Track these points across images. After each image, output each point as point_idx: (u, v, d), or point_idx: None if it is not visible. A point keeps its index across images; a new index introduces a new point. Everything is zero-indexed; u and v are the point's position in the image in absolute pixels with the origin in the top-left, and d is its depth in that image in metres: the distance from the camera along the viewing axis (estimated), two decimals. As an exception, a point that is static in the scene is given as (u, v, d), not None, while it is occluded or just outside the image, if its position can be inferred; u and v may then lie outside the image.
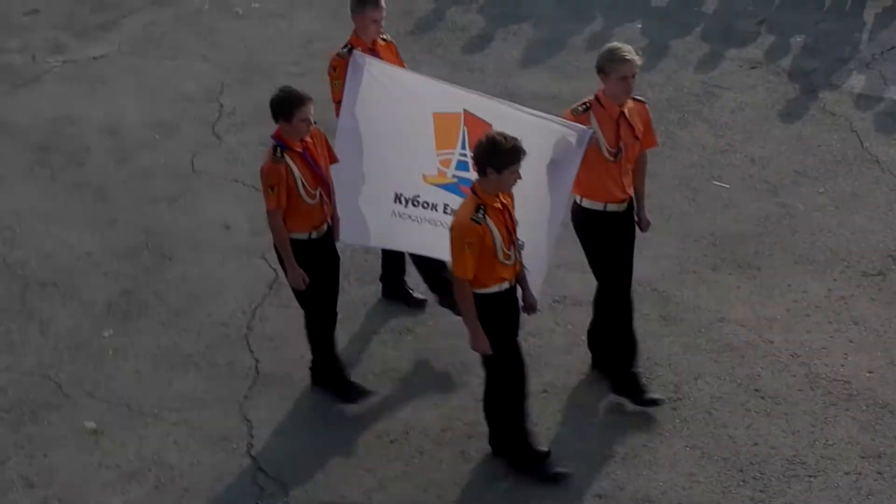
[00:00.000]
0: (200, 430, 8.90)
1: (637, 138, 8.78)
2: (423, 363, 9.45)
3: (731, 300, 9.93)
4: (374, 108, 9.10)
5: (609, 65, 8.59)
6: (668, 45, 13.16)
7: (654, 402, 8.96)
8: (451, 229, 8.05)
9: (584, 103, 8.70)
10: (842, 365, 9.35)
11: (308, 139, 8.61)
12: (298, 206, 8.58)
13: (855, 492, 8.39)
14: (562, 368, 9.36)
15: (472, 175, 8.38)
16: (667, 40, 13.22)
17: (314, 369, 9.16)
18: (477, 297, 8.11)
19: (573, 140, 8.47)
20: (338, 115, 9.31)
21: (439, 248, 8.75)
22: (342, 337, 9.34)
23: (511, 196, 8.20)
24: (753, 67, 12.82)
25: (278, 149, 8.53)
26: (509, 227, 8.13)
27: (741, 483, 8.47)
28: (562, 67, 12.87)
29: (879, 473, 8.52)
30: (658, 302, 9.95)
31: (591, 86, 12.30)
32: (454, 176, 8.97)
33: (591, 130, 8.50)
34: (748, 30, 13.44)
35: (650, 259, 10.29)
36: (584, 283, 9.96)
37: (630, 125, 8.73)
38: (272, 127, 8.61)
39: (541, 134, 8.52)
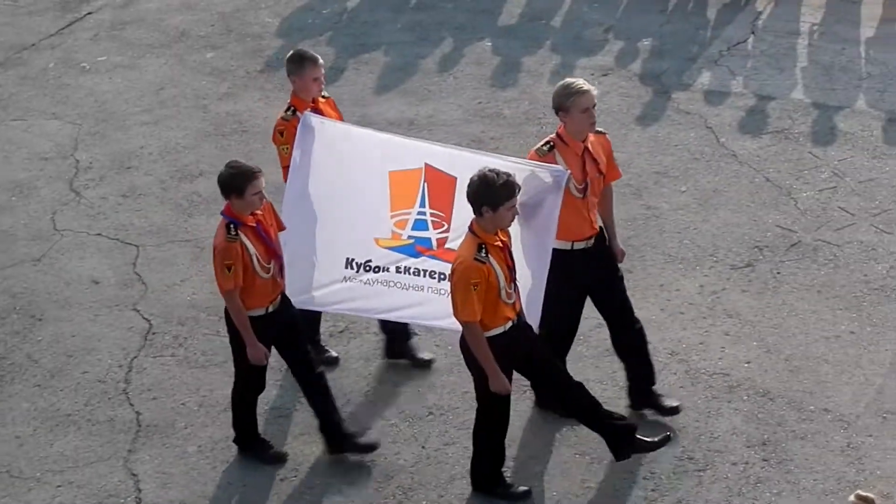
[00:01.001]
0: (86, 489, 8.74)
1: (601, 172, 8.61)
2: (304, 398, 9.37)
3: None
4: (325, 170, 8.84)
5: (568, 100, 8.39)
6: (520, 60, 13.26)
7: (675, 410, 8.94)
8: (453, 273, 7.89)
9: (547, 142, 8.50)
10: (720, 358, 9.46)
11: (258, 211, 8.38)
12: (254, 282, 8.35)
13: (744, 481, 8.47)
14: (446, 389, 9.36)
15: (431, 234, 8.43)
16: (518, 56, 13.32)
17: (238, 435, 8.94)
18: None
19: (549, 181, 8.23)
20: (285, 178, 9.01)
21: (389, 310, 8.80)
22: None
23: (508, 234, 8.04)
24: (605, 74, 12.97)
25: (231, 226, 8.26)
26: (510, 265, 8.00)
27: (632, 484, 8.52)
28: (416, 91, 12.90)
29: (765, 461, 8.62)
30: (534, 314, 9.98)
31: (445, 108, 12.44)
32: (409, 237, 8.72)
33: (567, 171, 8.28)
34: (596, 38, 13.60)
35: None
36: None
37: (594, 159, 8.56)
38: (131, 177, 8.53)
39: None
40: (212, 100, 12.98)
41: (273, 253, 8.43)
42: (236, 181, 8.25)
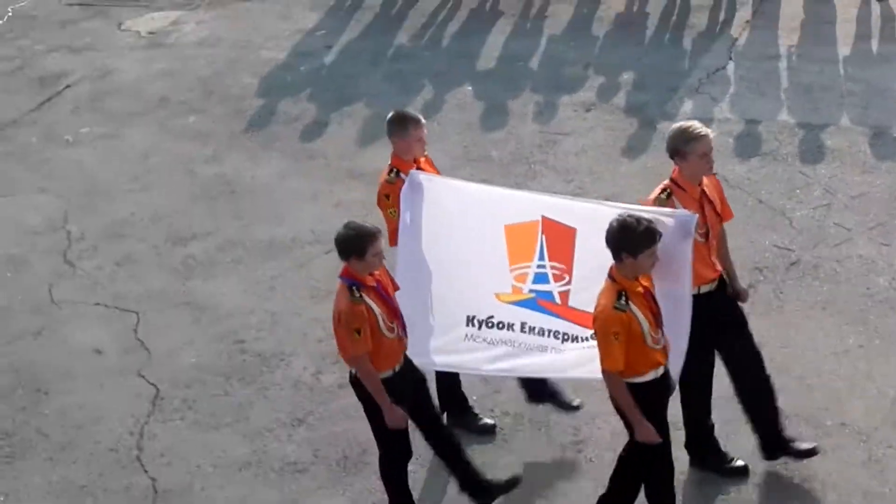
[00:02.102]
0: (108, 558, 8.67)
1: (718, 214, 8.41)
2: (320, 452, 9.33)
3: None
4: (438, 228, 8.58)
5: (686, 145, 8.14)
6: (503, 103, 13.30)
7: (811, 452, 8.66)
8: (595, 321, 7.68)
9: (665, 189, 8.22)
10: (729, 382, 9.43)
11: (376, 272, 8.20)
12: (381, 344, 8.09)
13: (770, 500, 8.44)
14: (460, 432, 9.30)
15: (552, 287, 8.26)
16: (501, 99, 13.37)
17: None
18: (633, 386, 7.74)
19: (675, 226, 7.89)
20: (392, 242, 8.83)
21: (514, 368, 8.59)
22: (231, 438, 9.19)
23: (650, 278, 7.81)
24: (588, 110, 13.01)
25: (354, 288, 8.06)
26: (654, 311, 7.73)
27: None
28: (402, 140, 12.89)
29: (789, 478, 8.59)
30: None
31: (433, 154, 12.35)
32: (531, 291, 8.44)
33: (695, 215, 7.98)
34: (576, 75, 13.65)
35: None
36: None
37: (711, 202, 8.33)
38: (124, 245, 8.43)
39: None
40: (198, 163, 12.97)
41: (395, 312, 8.19)
42: (357, 242, 8.03)
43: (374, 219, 11.63)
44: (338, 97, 13.81)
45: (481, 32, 14.86)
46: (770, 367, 9.42)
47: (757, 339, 9.66)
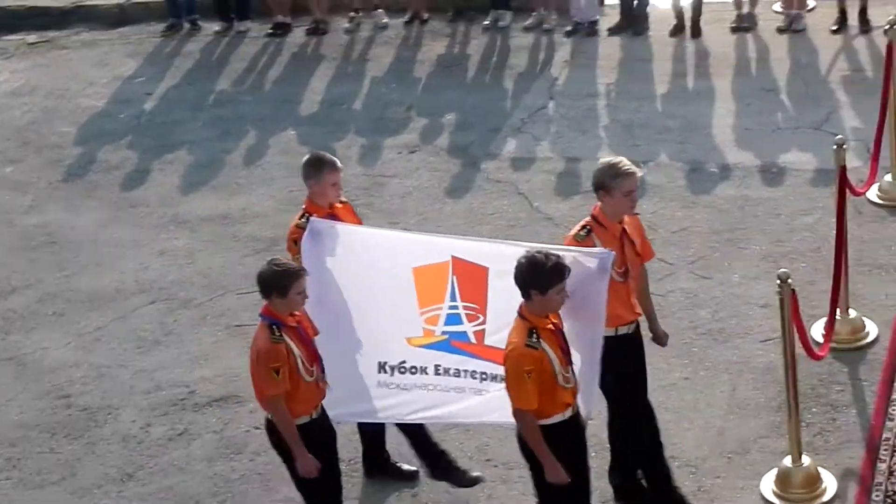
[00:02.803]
0: None
1: (638, 254, 8.31)
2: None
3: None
4: (342, 275, 8.37)
5: (612, 181, 8.05)
6: (328, 146, 13.25)
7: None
8: (506, 360, 7.54)
9: (584, 227, 8.15)
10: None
11: (297, 312, 7.96)
12: (298, 388, 7.85)
13: None
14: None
15: (466, 327, 8.09)
16: (324, 142, 13.34)
17: None
18: (543, 428, 7.59)
19: (592, 265, 7.77)
20: None
21: (432, 416, 8.41)
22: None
23: (559, 315, 7.68)
24: (412, 152, 13.07)
25: (274, 327, 7.82)
26: (563, 349, 7.63)
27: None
28: (225, 186, 12.83)
29: None
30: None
31: (258, 199, 12.36)
32: (444, 332, 8.25)
33: (612, 253, 7.85)
34: (399, 117, 13.71)
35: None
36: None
37: (631, 241, 8.24)
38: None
39: None
40: (16, 214, 12.72)
41: (315, 355, 7.98)
42: (281, 280, 7.80)
43: (197, 266, 11.61)
44: (159, 144, 13.67)
45: (303, 77, 14.85)
46: (600, 402, 9.55)
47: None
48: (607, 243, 8.06)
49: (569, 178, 12.36)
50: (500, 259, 7.90)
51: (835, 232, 9.77)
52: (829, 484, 8.64)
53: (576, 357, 7.78)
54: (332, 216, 8.69)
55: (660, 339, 8.73)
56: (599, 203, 8.20)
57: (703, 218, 11.60)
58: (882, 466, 8.75)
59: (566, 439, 7.71)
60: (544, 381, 7.53)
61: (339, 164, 8.85)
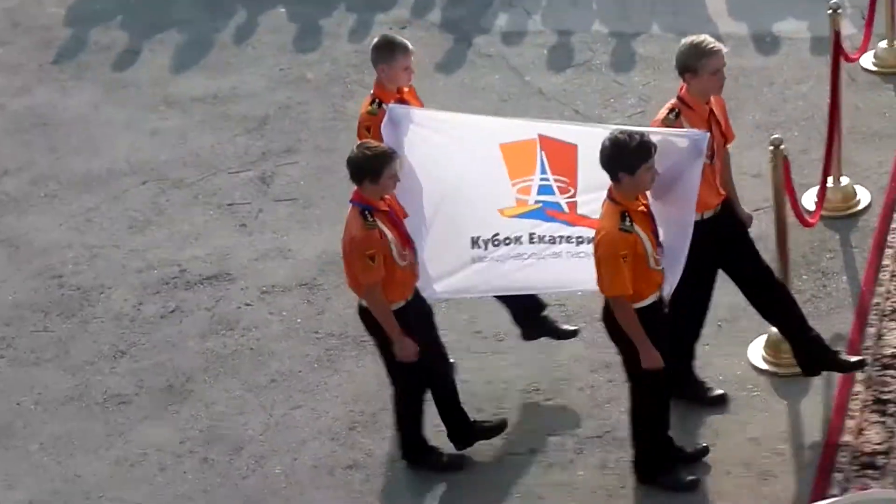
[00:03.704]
0: (-71, 502, 8.49)
1: (723, 135, 8.13)
2: (144, 382, 9.22)
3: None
4: (425, 157, 8.14)
5: (698, 61, 7.82)
6: (317, 23, 13.14)
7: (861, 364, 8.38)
8: (598, 246, 7.40)
9: (672, 109, 7.91)
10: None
11: (387, 196, 7.82)
12: (393, 273, 7.73)
13: (592, 403, 8.58)
14: (286, 354, 9.28)
15: (558, 198, 7.93)
16: (315, 19, 13.19)
17: (408, 449, 8.32)
18: (636, 311, 7.50)
19: (686, 146, 7.59)
20: None
21: (528, 283, 8.23)
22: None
23: (646, 197, 7.54)
24: (403, 27, 12.92)
25: (367, 213, 7.69)
26: (654, 230, 7.49)
27: (490, 418, 8.52)
28: (216, 66, 12.71)
29: (610, 381, 8.71)
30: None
31: (248, 78, 12.27)
32: (537, 201, 8.04)
33: (706, 134, 7.66)
34: (389, -7, 13.58)
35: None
36: (287, 270, 9.98)
37: (718, 122, 8.06)
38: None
39: None
40: (7, 97, 12.62)
41: (408, 239, 7.84)
42: (373, 163, 7.62)
43: (189, 146, 11.58)
44: (149, 24, 13.50)
45: (293, -46, 14.69)
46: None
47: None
48: (696, 125, 7.85)
49: (561, 52, 12.26)
50: (588, 138, 7.71)
51: (829, 100, 9.71)
52: (819, 349, 8.67)
53: (665, 245, 7.63)
54: (402, 101, 8.44)
55: (743, 223, 8.41)
56: (685, 84, 7.96)
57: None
58: (871, 331, 8.79)
59: (657, 321, 7.62)
60: (637, 265, 7.40)
61: (410, 46, 8.54)
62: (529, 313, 8.86)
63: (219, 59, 12.83)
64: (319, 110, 11.84)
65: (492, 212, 8.15)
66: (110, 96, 12.46)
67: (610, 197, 7.45)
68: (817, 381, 8.49)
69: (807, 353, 8.29)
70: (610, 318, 7.66)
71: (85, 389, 9.16)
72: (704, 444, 8.11)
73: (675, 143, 7.61)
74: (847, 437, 8.08)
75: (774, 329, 8.61)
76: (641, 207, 7.47)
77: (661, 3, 12.79)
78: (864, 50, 10.87)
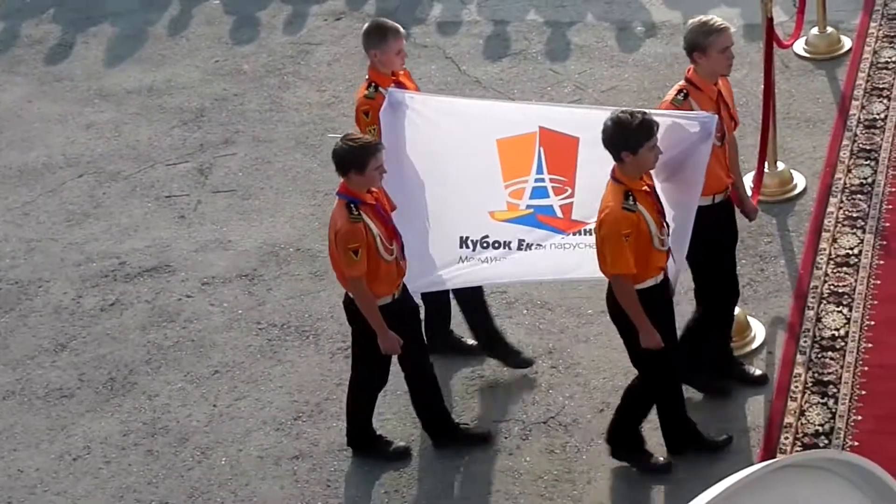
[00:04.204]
0: None
1: (732, 117, 8.08)
2: (86, 376, 9.16)
3: (374, 241, 10.00)
4: (422, 147, 8.05)
5: (706, 39, 7.77)
6: (253, 15, 13.12)
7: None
8: (601, 224, 7.32)
9: (680, 90, 7.85)
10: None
11: (374, 189, 7.73)
12: (378, 267, 7.66)
13: (536, 389, 8.62)
14: (228, 345, 9.26)
15: (552, 201, 7.85)
16: (249, 11, 13.17)
17: (354, 438, 8.31)
18: (637, 293, 7.43)
19: (696, 129, 7.54)
20: None
21: (512, 275, 8.15)
22: None
23: (652, 178, 7.52)
24: (338, 18, 12.94)
25: (352, 206, 7.59)
26: (659, 211, 7.43)
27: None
28: (150, 58, 12.66)
29: (554, 367, 8.77)
30: (305, 261, 9.95)
31: (183, 70, 12.21)
32: (528, 206, 7.96)
33: (714, 116, 7.60)
34: (324, -16, 13.56)
35: (286, 221, 10.32)
36: (227, 261, 9.95)
37: (726, 104, 8.01)
38: None
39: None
40: (-61, 91, 12.52)
41: (394, 233, 7.75)
42: (358, 155, 7.51)
43: (125, 139, 11.51)
44: (82, 17, 13.43)
45: (226, -54, 14.64)
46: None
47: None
48: (704, 106, 7.84)
49: (497, 41, 12.30)
50: (590, 126, 7.55)
51: (762, 86, 9.80)
52: (758, 332, 8.76)
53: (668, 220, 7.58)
54: (398, 84, 8.34)
55: (749, 213, 8.44)
56: (692, 65, 7.94)
57: (631, 76, 11.60)
58: (810, 314, 8.88)
59: (659, 303, 7.57)
60: (640, 245, 7.36)
61: (402, 29, 8.47)
62: (440, 327, 8.84)
63: (153, 51, 12.77)
64: (256, 102, 11.82)
65: (482, 213, 8.07)
66: (44, 90, 12.38)
67: (613, 177, 7.40)
68: (760, 365, 8.57)
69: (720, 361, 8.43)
70: (612, 301, 7.61)
71: (26, 384, 9.10)
72: (729, 436, 8.08)
73: (684, 125, 7.58)
74: (789, 419, 8.17)
75: (716, 313, 8.70)
76: (645, 187, 7.42)
77: (596, -8, 12.88)
78: (796, 37, 10.97)
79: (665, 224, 7.48)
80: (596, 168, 7.56)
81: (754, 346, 8.68)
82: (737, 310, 8.66)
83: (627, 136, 7.27)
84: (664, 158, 7.46)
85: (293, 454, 8.40)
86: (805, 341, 8.67)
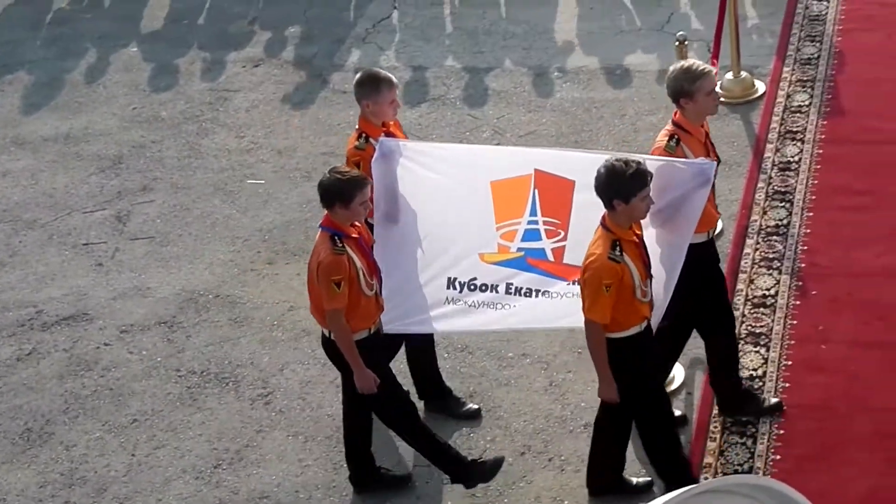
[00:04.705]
0: None
1: (717, 156, 8.13)
2: (1, 426, 9.05)
3: (295, 288, 9.96)
4: (415, 192, 8.00)
5: (692, 85, 7.84)
6: (172, 63, 13.09)
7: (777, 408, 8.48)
8: (585, 270, 7.30)
9: (672, 136, 7.89)
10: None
11: (358, 223, 7.67)
12: (359, 301, 7.60)
13: (457, 433, 8.57)
14: (145, 394, 9.18)
15: (544, 244, 7.80)
16: (169, 59, 13.15)
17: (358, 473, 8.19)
18: (616, 341, 7.41)
19: (693, 175, 7.55)
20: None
21: (496, 321, 8.02)
22: None
23: (640, 227, 7.50)
24: (256, 65, 12.94)
25: (336, 238, 7.55)
26: (645, 262, 7.42)
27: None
28: (66, 106, 12.60)
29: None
30: (225, 307, 9.89)
31: (100, 118, 12.14)
32: (519, 249, 7.90)
33: (713, 163, 7.66)
34: (242, 31, 13.54)
35: (206, 267, 10.27)
36: (146, 308, 9.88)
37: (713, 144, 8.10)
38: None
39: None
40: None
41: (375, 268, 7.71)
42: (345, 188, 7.47)
43: (42, 187, 11.43)
44: (-3, 65, 13.37)
45: (143, -8, 14.62)
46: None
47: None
48: (694, 148, 7.91)
49: (415, 87, 12.34)
50: (586, 170, 7.50)
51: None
52: (678, 373, 8.80)
53: (657, 269, 7.58)
54: (389, 134, 8.27)
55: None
56: (679, 110, 7.98)
57: (549, 121, 11.67)
58: (728, 356, 8.93)
59: (642, 350, 7.55)
60: (623, 295, 7.33)
61: (395, 80, 8.41)
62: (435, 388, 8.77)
63: (70, 98, 12.71)
64: (174, 148, 11.78)
65: (472, 255, 8.02)
66: (-41, 137, 12.28)
67: (603, 224, 7.38)
68: (679, 406, 8.61)
69: (729, 396, 8.47)
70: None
71: (-61, 431, 8.99)
72: (650, 479, 8.07)
73: (682, 172, 7.61)
74: (709, 459, 8.21)
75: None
76: (634, 237, 7.41)
77: (513, 37, 12.96)
78: (711, 81, 11.08)
79: (650, 276, 7.47)
80: (591, 212, 7.54)
81: (674, 386, 8.72)
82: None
83: (620, 185, 7.24)
84: (660, 204, 7.48)
85: (213, 503, 8.33)
86: (723, 382, 8.72)
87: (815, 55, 12.17)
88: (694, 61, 8.12)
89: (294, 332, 9.55)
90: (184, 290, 10.06)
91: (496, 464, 8.07)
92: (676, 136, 7.94)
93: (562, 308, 7.86)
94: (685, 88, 7.91)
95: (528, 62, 12.53)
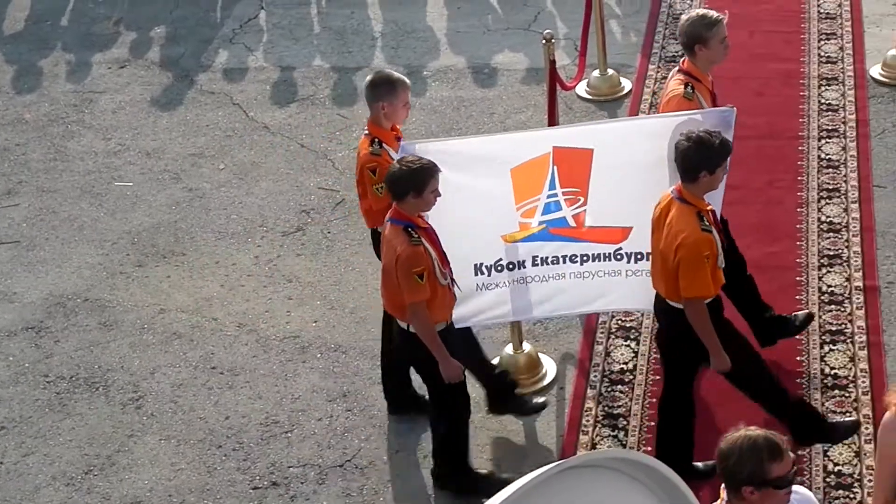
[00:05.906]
0: None
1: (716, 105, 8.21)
2: None
3: (165, 290, 9.88)
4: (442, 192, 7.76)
5: (708, 31, 8.01)
6: (35, 64, 12.89)
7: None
8: (680, 248, 7.14)
9: (686, 83, 8.02)
10: (287, 322, 9.51)
11: (423, 214, 7.51)
12: (436, 292, 7.42)
13: (332, 433, 8.58)
14: (13, 401, 9.02)
15: (564, 212, 7.78)
16: (31, 60, 12.95)
17: (451, 476, 7.97)
18: (709, 307, 7.29)
19: (711, 125, 7.48)
20: (377, 222, 7.91)
21: (532, 306, 8.03)
22: None
23: None
24: (122, 66, 12.79)
25: (410, 230, 7.36)
26: (720, 229, 7.37)
27: (224, 457, 8.47)
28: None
29: (349, 410, 8.75)
30: (94, 311, 9.76)
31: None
32: (540, 223, 7.97)
33: (733, 109, 7.70)
34: (107, 32, 13.38)
35: (74, 271, 10.13)
36: (12, 314, 9.72)
37: (715, 93, 8.21)
38: None
39: (668, 132, 7.54)
40: None
41: (445, 257, 7.54)
42: (418, 177, 7.31)
43: None
44: None
45: (4, -6, 14.39)
46: (323, 305, 9.63)
47: (309, 279, 9.89)
48: (704, 96, 8.04)
49: (283, 87, 12.28)
50: (605, 139, 7.64)
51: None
52: (549, 368, 8.88)
53: None
54: (399, 138, 8.11)
55: None
56: (688, 58, 8.14)
57: (419, 120, 11.68)
58: (599, 349, 9.03)
59: (721, 317, 7.50)
60: (711, 265, 7.26)
61: (408, 81, 8.22)
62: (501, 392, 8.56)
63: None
64: (40, 151, 11.60)
65: (495, 238, 8.06)
66: None
67: (681, 198, 7.28)
68: (551, 399, 8.68)
69: (767, 328, 8.56)
70: (672, 320, 7.49)
71: None
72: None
73: (704, 123, 7.60)
74: (581, 452, 8.28)
75: (507, 350, 8.81)
76: (710, 206, 7.37)
77: (382, 37, 12.96)
78: (578, 79, 11.17)
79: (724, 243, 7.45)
80: (609, 174, 7.69)
81: (545, 382, 8.78)
82: (527, 347, 8.79)
83: (711, 156, 7.21)
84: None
85: (85, 509, 8.25)
86: (595, 376, 8.81)
87: (680, 53, 12.28)
88: (705, 10, 8.28)
89: (165, 335, 9.46)
90: (51, 295, 9.92)
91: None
92: (690, 84, 8.09)
93: (595, 289, 7.99)
94: (702, 35, 8.10)
95: (396, 61, 12.53)
